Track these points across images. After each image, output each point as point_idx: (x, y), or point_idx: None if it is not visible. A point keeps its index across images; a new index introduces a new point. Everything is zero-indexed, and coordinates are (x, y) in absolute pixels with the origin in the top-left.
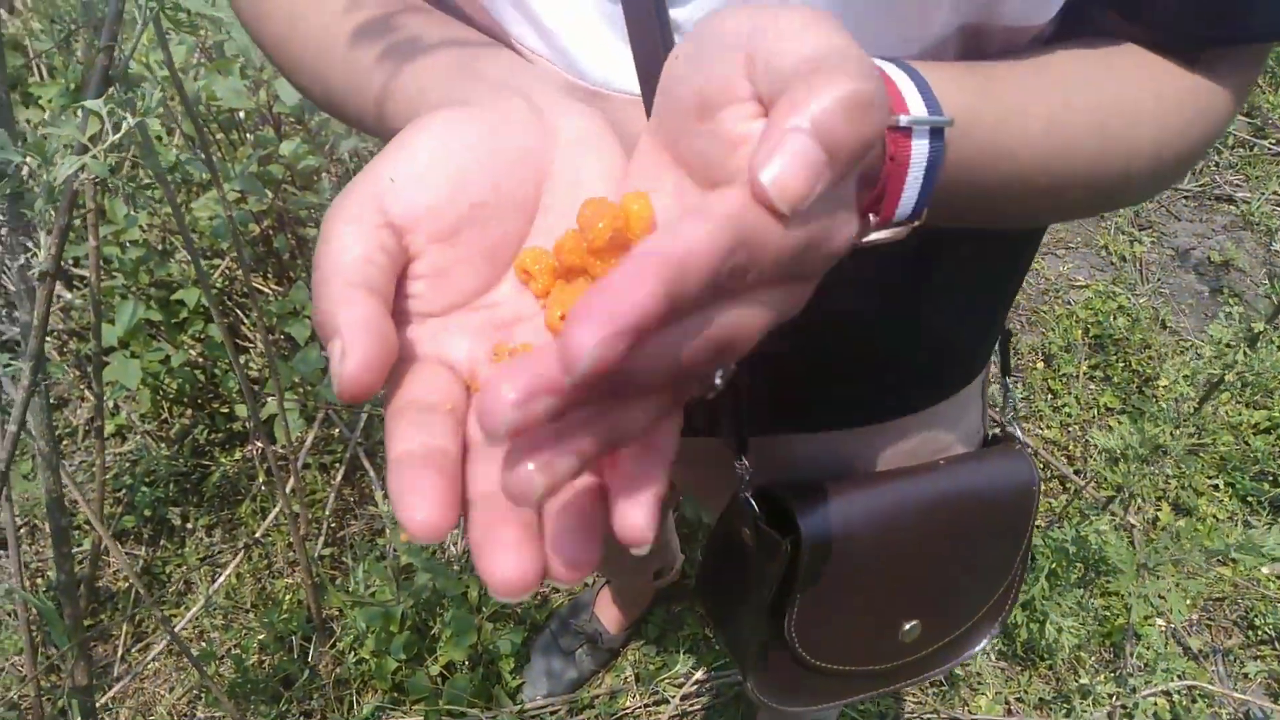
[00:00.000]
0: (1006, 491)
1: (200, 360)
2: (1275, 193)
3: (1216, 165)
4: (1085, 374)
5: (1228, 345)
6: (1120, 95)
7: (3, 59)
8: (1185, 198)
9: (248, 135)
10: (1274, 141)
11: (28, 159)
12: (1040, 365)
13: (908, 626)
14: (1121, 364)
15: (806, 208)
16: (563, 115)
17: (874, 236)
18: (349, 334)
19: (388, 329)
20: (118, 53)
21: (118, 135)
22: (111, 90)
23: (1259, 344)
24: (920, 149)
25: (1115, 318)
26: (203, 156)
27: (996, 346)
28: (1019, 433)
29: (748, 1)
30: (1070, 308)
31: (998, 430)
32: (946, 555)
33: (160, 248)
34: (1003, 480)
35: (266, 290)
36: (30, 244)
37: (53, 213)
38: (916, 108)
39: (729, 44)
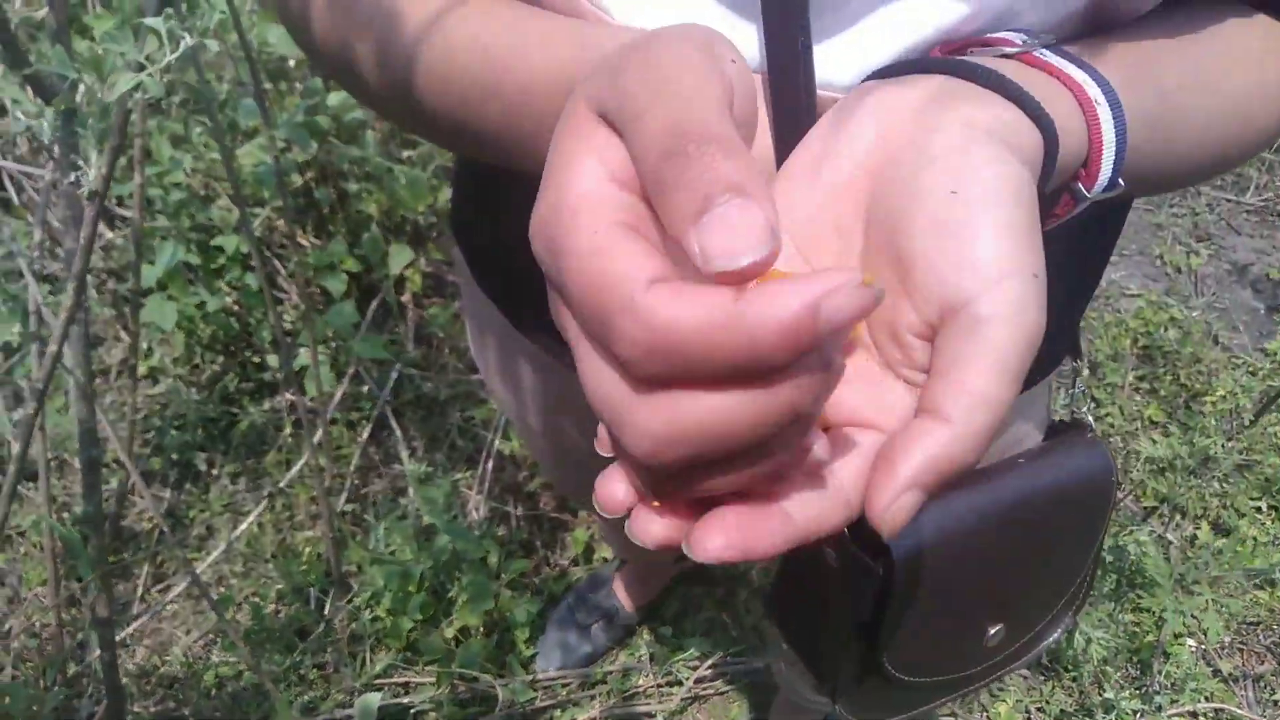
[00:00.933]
0: (1086, 485)
1: (235, 308)
2: None
3: None
4: (1131, 385)
5: None
6: (1263, 75)
7: None
8: (1247, 211)
9: (296, 85)
10: None
11: (84, 77)
12: (1086, 373)
13: (993, 631)
14: (1170, 377)
15: None
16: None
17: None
18: (751, 186)
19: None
20: None
21: (175, 54)
22: (169, 10)
23: None
24: (1106, 119)
25: (1166, 329)
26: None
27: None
28: (1090, 418)
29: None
30: (1120, 316)
31: (1065, 415)
32: (1028, 555)
33: (203, 193)
34: (1081, 473)
35: (305, 242)
36: (82, 163)
37: (102, 136)
38: (1106, 119)
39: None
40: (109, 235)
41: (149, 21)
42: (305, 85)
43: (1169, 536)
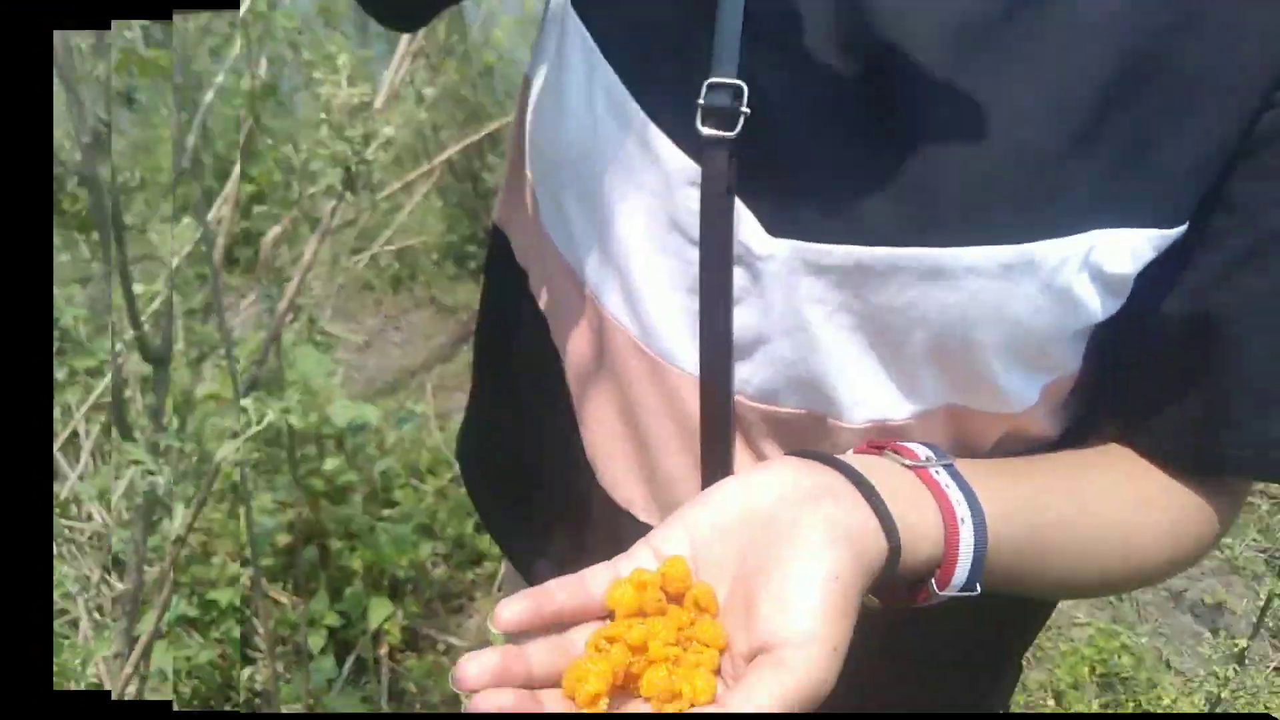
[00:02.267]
0: None
1: (219, 661)
2: (1254, 540)
3: None
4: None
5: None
6: (1133, 508)
7: None
8: None
9: (297, 452)
10: (1256, 493)
11: (195, 446)
12: (1051, 703)
13: None
14: (1132, 704)
15: None
16: None
17: (938, 598)
18: None
19: None
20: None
21: (260, 426)
22: (255, 395)
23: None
24: (967, 538)
25: (1120, 656)
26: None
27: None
28: None
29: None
30: (1075, 644)
31: None
32: None
33: (201, 548)
34: None
35: (284, 600)
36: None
37: (196, 489)
38: (966, 535)
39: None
40: (119, 586)
41: (245, 402)
42: (302, 453)
43: None
